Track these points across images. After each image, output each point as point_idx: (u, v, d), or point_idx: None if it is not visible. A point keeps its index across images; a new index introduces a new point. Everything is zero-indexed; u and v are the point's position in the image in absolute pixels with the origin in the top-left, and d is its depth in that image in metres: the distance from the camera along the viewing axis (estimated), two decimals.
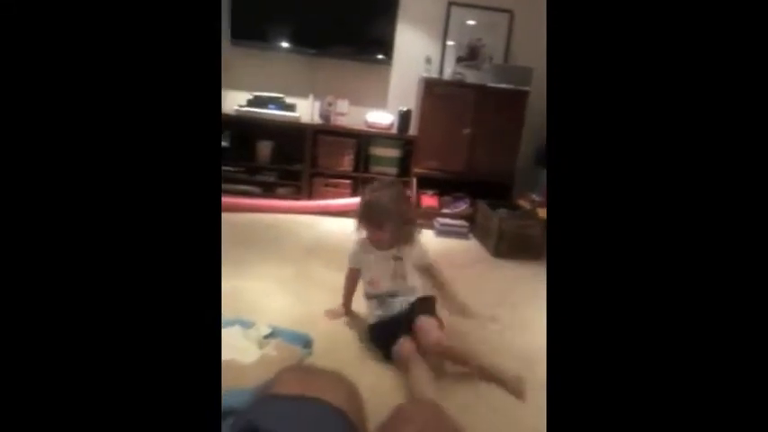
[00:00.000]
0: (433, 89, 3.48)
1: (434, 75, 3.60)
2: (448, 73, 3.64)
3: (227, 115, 3.47)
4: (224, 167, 3.51)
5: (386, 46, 3.59)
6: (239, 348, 1.60)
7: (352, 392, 0.94)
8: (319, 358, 1.67)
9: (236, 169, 3.53)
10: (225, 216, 3.28)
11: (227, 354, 1.51)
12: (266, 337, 1.72)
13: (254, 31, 3.48)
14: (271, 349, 1.64)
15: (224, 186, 3.51)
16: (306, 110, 3.58)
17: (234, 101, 3.55)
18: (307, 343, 1.72)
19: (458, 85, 3.52)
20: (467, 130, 3.50)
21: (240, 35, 3.46)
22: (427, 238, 3.41)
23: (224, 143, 3.49)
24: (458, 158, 3.57)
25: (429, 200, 3.65)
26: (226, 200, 3.44)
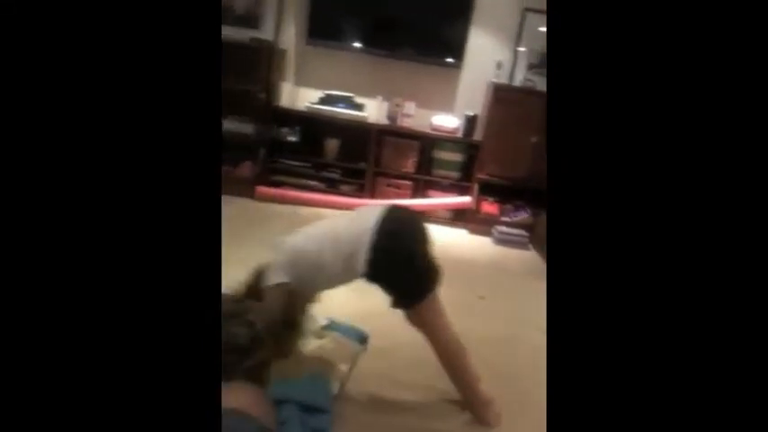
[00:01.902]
0: (501, 95, 3.45)
1: (504, 80, 3.56)
2: (518, 79, 3.59)
3: (298, 111, 3.61)
4: (291, 162, 3.65)
5: (457, 49, 3.59)
6: None
7: (258, 398, 0.95)
8: (374, 357, 1.72)
9: (303, 164, 3.66)
10: (289, 208, 3.42)
11: None
12: (324, 328, 1.78)
13: (329, 31, 3.59)
14: (327, 341, 1.71)
15: (290, 180, 3.65)
16: (374, 110, 3.65)
17: (306, 98, 3.67)
18: (362, 339, 1.77)
19: (528, 92, 3.46)
20: (534, 139, 3.45)
21: (316, 35, 3.58)
22: (484, 245, 3.39)
23: (293, 138, 3.62)
24: (522, 166, 3.52)
25: (489, 207, 3.63)
26: (291, 193, 3.58)
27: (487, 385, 1.61)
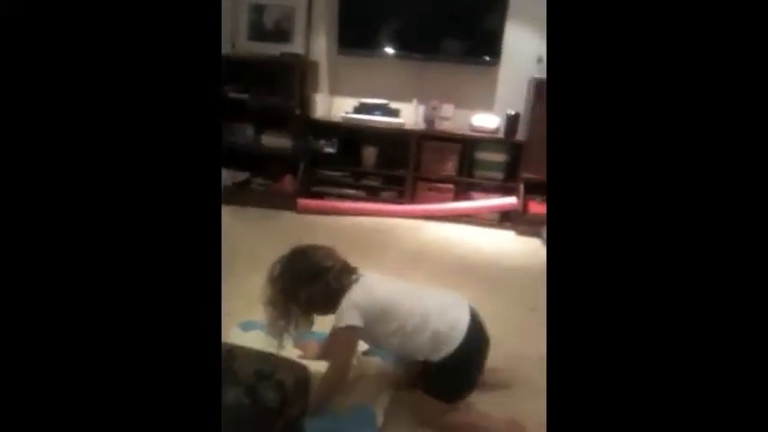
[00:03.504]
0: (544, 91, 3.29)
1: (546, 75, 3.39)
2: None
3: (334, 122, 3.58)
4: (330, 172, 3.64)
5: (493, 45, 3.45)
6: None
7: None
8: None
9: (342, 174, 3.63)
10: (329, 219, 3.40)
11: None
12: (364, 354, 1.74)
13: (360, 40, 3.54)
14: (369, 368, 1.66)
15: (330, 191, 3.64)
16: (410, 115, 3.58)
17: (341, 108, 3.64)
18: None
19: None
20: None
21: (348, 44, 3.54)
22: (533, 248, 3.25)
23: (331, 149, 3.60)
24: None
25: (537, 206, 3.47)
26: (332, 204, 3.57)
27: (539, 410, 1.51)
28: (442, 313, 1.46)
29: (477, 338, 1.45)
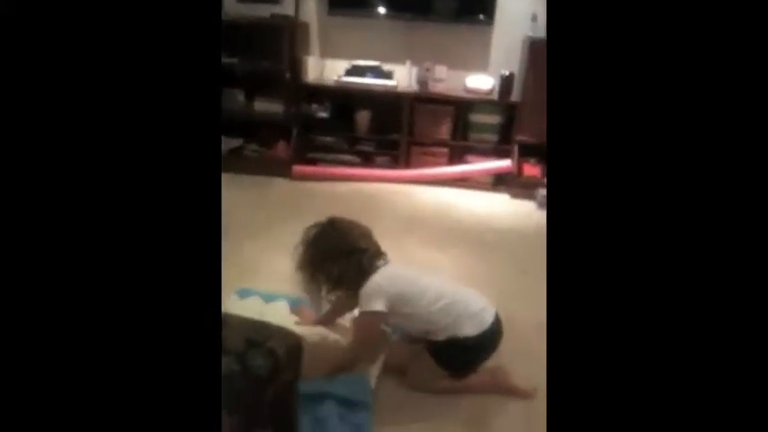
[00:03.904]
0: (539, 50, 3.22)
1: (541, 34, 3.31)
2: None
3: (326, 86, 3.52)
4: (324, 138, 3.61)
5: (487, 4, 3.36)
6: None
7: None
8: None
9: (336, 139, 3.60)
10: (324, 186, 3.40)
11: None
12: None
13: (351, 0, 3.44)
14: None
15: (323, 156, 3.62)
16: (403, 77, 3.51)
17: (333, 71, 3.58)
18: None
19: None
20: None
21: (338, 4, 3.44)
22: (527, 211, 3.26)
23: (324, 114, 3.55)
24: None
25: (531, 169, 3.46)
26: (327, 170, 3.55)
27: (530, 370, 1.56)
28: (471, 297, 1.53)
29: (498, 328, 1.52)
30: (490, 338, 1.50)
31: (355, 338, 1.55)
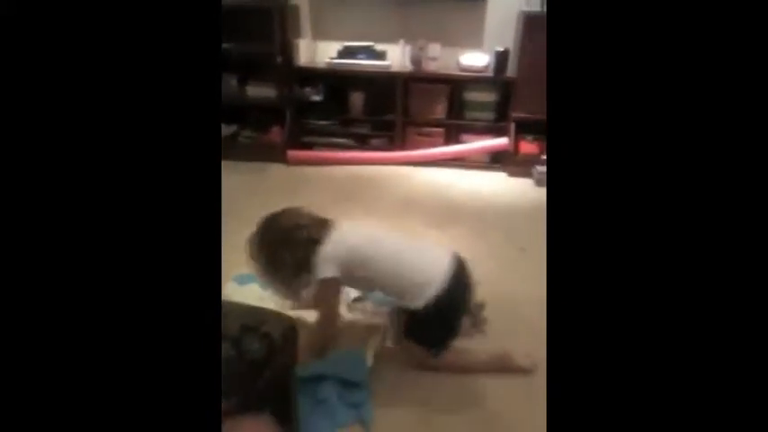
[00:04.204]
0: (533, 25, 3.16)
1: (536, 8, 3.26)
2: None
3: (318, 69, 3.48)
4: (319, 122, 3.57)
5: None
6: None
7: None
8: None
9: (331, 122, 3.57)
10: (321, 170, 3.38)
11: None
12: (354, 300, 1.77)
13: None
14: (359, 314, 1.70)
15: (318, 140, 3.59)
16: (396, 57, 3.47)
17: (325, 53, 3.53)
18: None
19: None
20: None
21: None
22: (524, 188, 3.25)
23: (317, 97, 3.52)
24: None
25: (528, 146, 3.43)
26: (322, 154, 3.53)
27: (530, 346, 1.56)
28: (418, 259, 1.47)
29: (459, 284, 1.46)
30: (456, 296, 1.44)
31: (318, 309, 1.55)
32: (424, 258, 1.48)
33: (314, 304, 1.58)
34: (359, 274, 1.45)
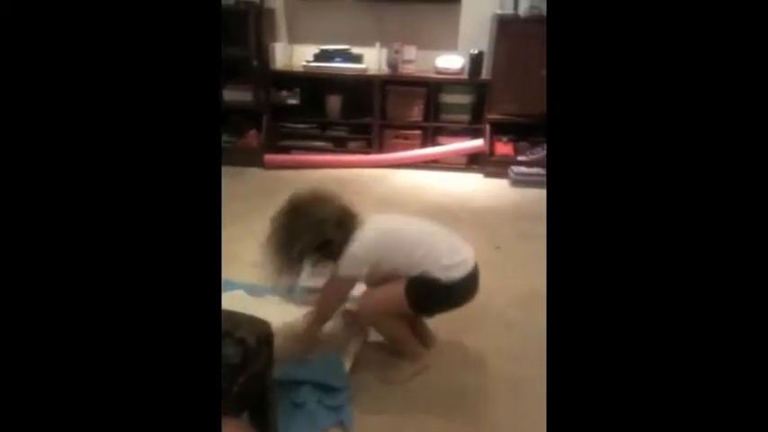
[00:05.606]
0: (507, 27, 3.22)
1: (509, 11, 3.31)
2: (524, 8, 3.32)
3: (295, 72, 3.48)
4: (295, 125, 3.57)
5: None
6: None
7: None
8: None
9: (308, 126, 3.57)
10: (299, 173, 3.37)
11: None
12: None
13: None
14: (336, 318, 1.70)
15: (295, 143, 3.59)
16: (373, 59, 3.49)
17: (301, 57, 3.53)
18: None
19: (535, 20, 3.21)
20: (545, 71, 3.24)
21: None
22: (500, 189, 3.29)
23: (294, 100, 3.51)
24: (535, 101, 3.32)
25: (503, 147, 3.48)
26: (300, 157, 3.52)
27: (508, 344, 1.59)
28: (451, 248, 1.50)
29: (475, 279, 1.51)
30: (462, 289, 1.48)
31: (324, 299, 1.55)
32: (452, 246, 1.51)
33: (320, 297, 1.57)
34: (380, 270, 1.46)
